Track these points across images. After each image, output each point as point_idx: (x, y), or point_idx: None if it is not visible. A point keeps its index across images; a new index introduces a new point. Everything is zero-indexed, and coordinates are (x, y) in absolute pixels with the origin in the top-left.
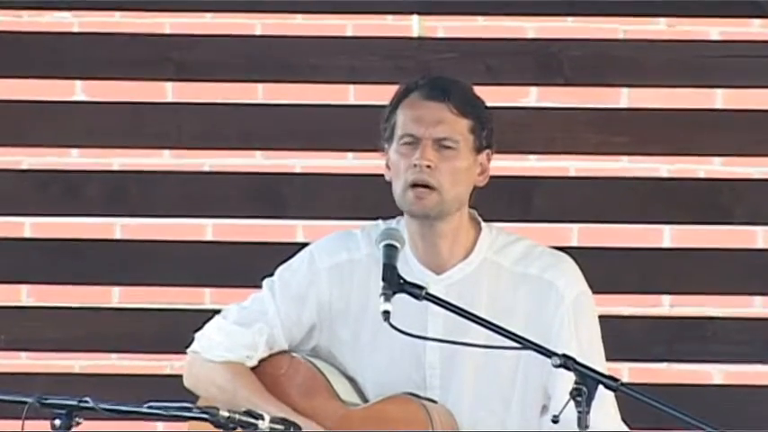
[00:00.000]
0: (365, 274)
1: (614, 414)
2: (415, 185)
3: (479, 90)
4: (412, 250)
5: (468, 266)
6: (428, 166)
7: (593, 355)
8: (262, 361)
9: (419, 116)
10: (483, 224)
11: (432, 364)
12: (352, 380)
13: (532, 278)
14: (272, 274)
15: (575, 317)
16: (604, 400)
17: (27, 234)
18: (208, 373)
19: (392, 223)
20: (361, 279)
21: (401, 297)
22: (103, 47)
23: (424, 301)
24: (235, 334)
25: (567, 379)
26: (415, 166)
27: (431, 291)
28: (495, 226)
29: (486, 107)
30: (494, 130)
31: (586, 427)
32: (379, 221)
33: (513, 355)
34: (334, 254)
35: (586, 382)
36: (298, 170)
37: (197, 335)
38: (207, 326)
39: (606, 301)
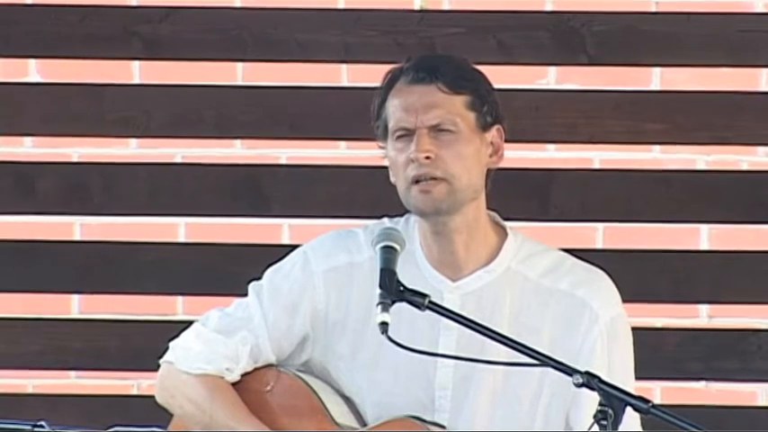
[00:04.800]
0: (367, 280)
1: None
2: (417, 181)
3: (490, 70)
4: (424, 252)
5: (489, 275)
6: (427, 158)
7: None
8: (245, 375)
9: (408, 104)
10: (509, 230)
11: (443, 384)
12: (348, 400)
13: (562, 294)
14: (258, 278)
15: (608, 342)
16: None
17: None
18: (182, 387)
19: (400, 222)
20: (362, 285)
21: (411, 307)
22: (61, 20)
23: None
24: (215, 343)
25: (593, 403)
26: (413, 161)
27: (444, 299)
28: (522, 234)
29: (485, 79)
30: (498, 103)
31: None
32: (385, 219)
33: (536, 380)
34: (332, 256)
35: (613, 404)
36: (283, 161)
37: (172, 344)
38: (183, 334)
39: (636, 311)
